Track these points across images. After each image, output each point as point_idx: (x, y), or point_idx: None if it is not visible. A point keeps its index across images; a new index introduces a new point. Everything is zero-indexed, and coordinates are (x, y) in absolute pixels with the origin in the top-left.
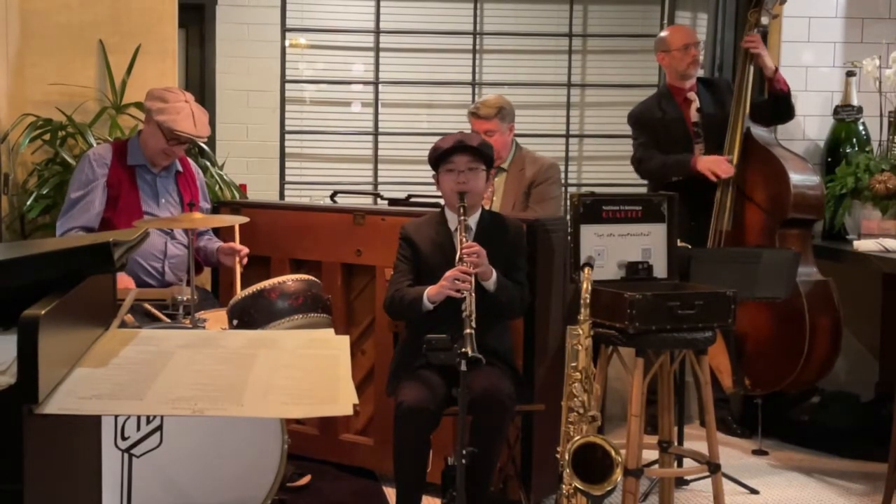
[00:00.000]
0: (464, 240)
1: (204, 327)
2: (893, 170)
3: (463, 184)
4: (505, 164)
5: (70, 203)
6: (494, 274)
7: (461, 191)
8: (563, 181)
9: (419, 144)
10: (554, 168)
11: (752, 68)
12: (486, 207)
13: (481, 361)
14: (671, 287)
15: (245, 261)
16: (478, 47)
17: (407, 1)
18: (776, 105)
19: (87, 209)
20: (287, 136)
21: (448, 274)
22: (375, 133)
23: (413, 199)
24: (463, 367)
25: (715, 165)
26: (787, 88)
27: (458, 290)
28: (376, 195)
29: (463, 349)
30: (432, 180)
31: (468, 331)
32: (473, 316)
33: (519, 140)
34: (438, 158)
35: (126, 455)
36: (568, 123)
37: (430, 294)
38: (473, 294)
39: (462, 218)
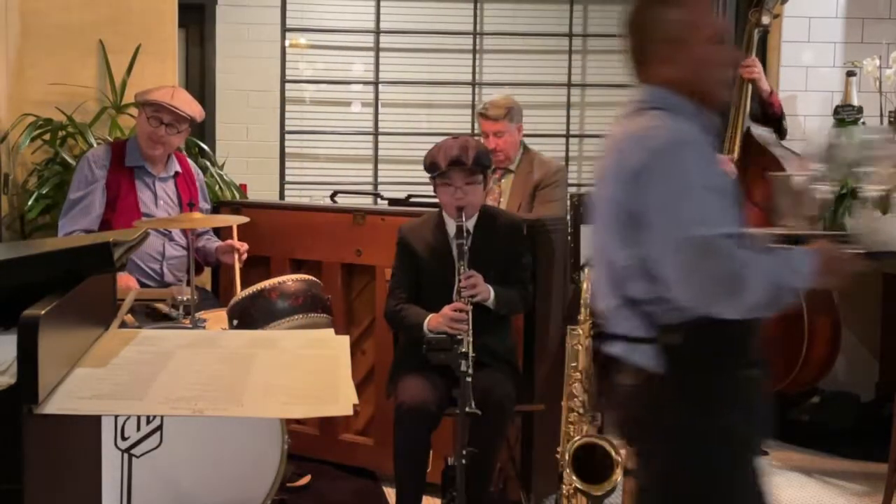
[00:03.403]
0: (462, 268)
1: (204, 327)
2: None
3: (461, 199)
4: (513, 165)
5: (70, 204)
6: (492, 294)
7: (459, 206)
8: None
9: (419, 144)
10: (561, 171)
11: (749, 86)
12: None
13: (478, 415)
14: None
15: (245, 257)
16: (478, 47)
17: (407, 1)
18: (766, 123)
19: (88, 211)
20: (287, 136)
21: (447, 312)
22: (375, 133)
23: (413, 199)
24: (463, 368)
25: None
26: (781, 113)
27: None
28: (376, 195)
29: (465, 406)
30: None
31: (466, 378)
32: (471, 361)
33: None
34: (435, 172)
35: (126, 455)
36: (568, 123)
37: (430, 325)
38: (471, 336)
39: (460, 241)
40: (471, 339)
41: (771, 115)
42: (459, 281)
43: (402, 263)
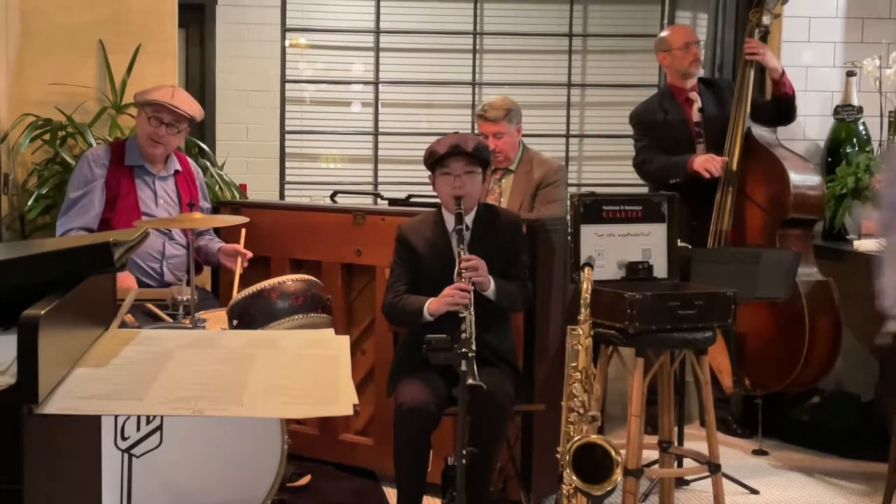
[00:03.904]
0: (461, 252)
1: (204, 327)
2: None
3: (459, 188)
4: (513, 165)
5: (69, 203)
6: (493, 283)
7: (458, 195)
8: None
9: (419, 144)
10: (562, 170)
11: (752, 71)
12: None
13: (482, 388)
14: (671, 287)
15: (246, 265)
16: (478, 47)
17: (407, 1)
18: (778, 107)
19: (87, 210)
20: (287, 136)
21: (447, 291)
22: (375, 133)
23: (413, 199)
24: (463, 368)
25: (707, 163)
26: (792, 92)
27: (456, 309)
28: (376, 195)
29: (468, 380)
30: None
31: (470, 354)
32: (473, 338)
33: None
34: (434, 162)
35: (126, 455)
36: (568, 123)
37: (430, 308)
38: (473, 314)
39: (459, 227)
40: (473, 318)
41: (783, 97)
42: (459, 263)
43: (401, 259)
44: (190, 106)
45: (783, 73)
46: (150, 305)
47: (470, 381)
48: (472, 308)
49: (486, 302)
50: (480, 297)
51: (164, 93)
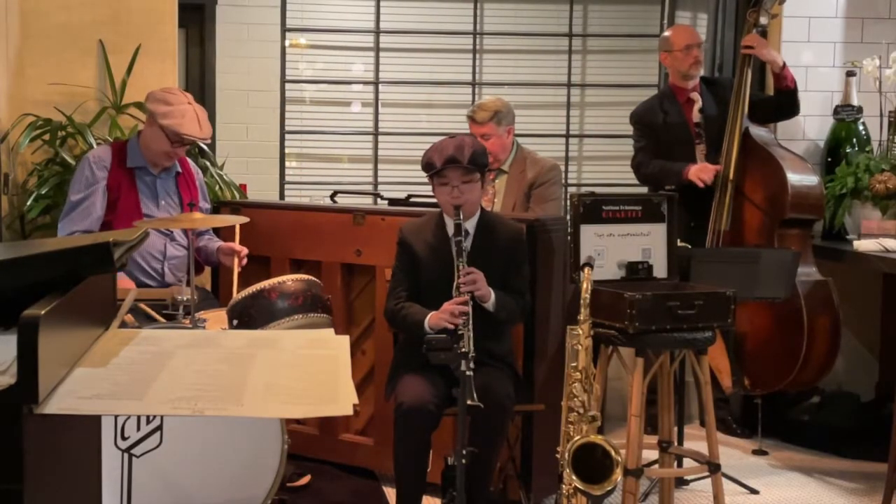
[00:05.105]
0: (461, 266)
1: (204, 327)
2: (893, 170)
3: (457, 198)
4: (505, 165)
5: (71, 205)
6: (493, 296)
7: (456, 204)
8: (563, 181)
9: (419, 144)
10: (555, 169)
11: (749, 70)
12: (489, 209)
13: (480, 407)
14: (671, 287)
15: (244, 262)
16: (478, 47)
17: (407, 1)
18: (780, 101)
19: (89, 213)
20: (287, 136)
21: (446, 307)
22: (375, 133)
23: (413, 199)
24: (462, 368)
25: (701, 172)
26: (794, 84)
27: (456, 326)
28: (376, 195)
29: (468, 400)
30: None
31: (468, 373)
32: (472, 354)
33: (519, 140)
34: (431, 172)
35: (126, 455)
36: (568, 123)
37: (431, 322)
38: (471, 331)
39: (458, 238)
40: (471, 334)
41: (784, 90)
42: (459, 277)
43: (402, 263)
44: (209, 128)
45: (784, 65)
46: (146, 308)
47: (469, 401)
48: (470, 325)
49: (484, 314)
50: (478, 309)
51: (191, 122)
